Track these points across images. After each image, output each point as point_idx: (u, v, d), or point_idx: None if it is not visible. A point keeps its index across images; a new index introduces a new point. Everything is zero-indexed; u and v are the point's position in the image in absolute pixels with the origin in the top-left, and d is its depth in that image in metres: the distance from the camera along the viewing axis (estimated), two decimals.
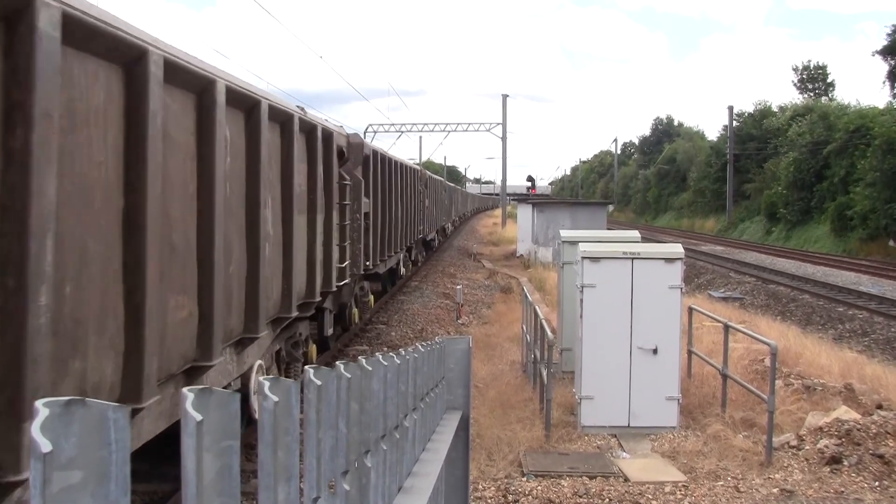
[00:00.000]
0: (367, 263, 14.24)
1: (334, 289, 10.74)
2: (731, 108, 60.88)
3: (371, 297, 12.01)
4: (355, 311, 14.61)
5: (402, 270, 22.62)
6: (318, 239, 9.66)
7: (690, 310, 11.15)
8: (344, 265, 11.39)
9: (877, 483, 7.55)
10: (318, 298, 9.83)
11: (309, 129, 9.31)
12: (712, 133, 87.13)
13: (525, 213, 33.97)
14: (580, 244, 10.04)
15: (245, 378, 7.53)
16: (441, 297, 21.71)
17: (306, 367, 1.42)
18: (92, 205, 4.26)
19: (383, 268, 16.95)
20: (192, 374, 5.74)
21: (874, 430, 8.27)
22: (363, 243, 13.59)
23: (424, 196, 26.92)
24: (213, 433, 0.94)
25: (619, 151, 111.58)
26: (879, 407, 9.27)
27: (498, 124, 52.47)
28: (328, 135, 10.24)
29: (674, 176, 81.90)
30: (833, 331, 18.81)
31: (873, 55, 42.83)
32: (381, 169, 16.31)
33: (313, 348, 10.90)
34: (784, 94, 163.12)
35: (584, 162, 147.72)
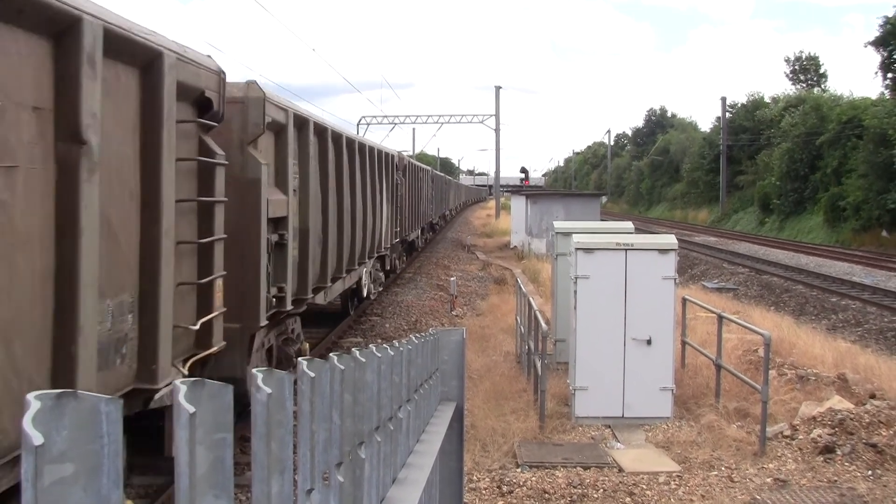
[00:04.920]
0: (407, 232, 22.87)
1: (392, 243, 18.95)
2: (723, 100, 61.00)
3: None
4: (397, 262, 21.94)
5: (419, 243, 30.61)
6: (389, 214, 17.81)
7: (684, 301, 11.17)
8: (397, 229, 19.72)
9: (870, 472, 7.59)
10: (389, 246, 18.16)
11: (387, 153, 17.53)
12: (705, 124, 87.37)
13: (519, 204, 33.96)
14: (574, 235, 10.04)
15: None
16: (435, 289, 21.71)
17: (299, 359, 1.42)
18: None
19: (411, 237, 25.82)
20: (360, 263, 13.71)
21: (867, 420, 8.31)
22: (403, 220, 21.56)
23: (431, 189, 34.27)
24: (205, 425, 0.93)
25: (612, 143, 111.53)
26: (872, 396, 9.30)
27: (491, 116, 52.49)
28: (394, 156, 19.11)
29: (667, 167, 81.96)
30: (826, 321, 18.88)
31: (865, 46, 42.79)
32: (411, 173, 24.68)
33: (382, 276, 18.53)
34: (776, 86, 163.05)
35: (578, 153, 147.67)
